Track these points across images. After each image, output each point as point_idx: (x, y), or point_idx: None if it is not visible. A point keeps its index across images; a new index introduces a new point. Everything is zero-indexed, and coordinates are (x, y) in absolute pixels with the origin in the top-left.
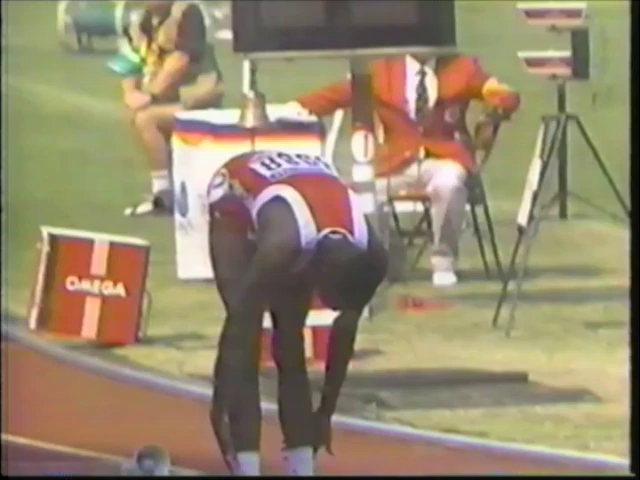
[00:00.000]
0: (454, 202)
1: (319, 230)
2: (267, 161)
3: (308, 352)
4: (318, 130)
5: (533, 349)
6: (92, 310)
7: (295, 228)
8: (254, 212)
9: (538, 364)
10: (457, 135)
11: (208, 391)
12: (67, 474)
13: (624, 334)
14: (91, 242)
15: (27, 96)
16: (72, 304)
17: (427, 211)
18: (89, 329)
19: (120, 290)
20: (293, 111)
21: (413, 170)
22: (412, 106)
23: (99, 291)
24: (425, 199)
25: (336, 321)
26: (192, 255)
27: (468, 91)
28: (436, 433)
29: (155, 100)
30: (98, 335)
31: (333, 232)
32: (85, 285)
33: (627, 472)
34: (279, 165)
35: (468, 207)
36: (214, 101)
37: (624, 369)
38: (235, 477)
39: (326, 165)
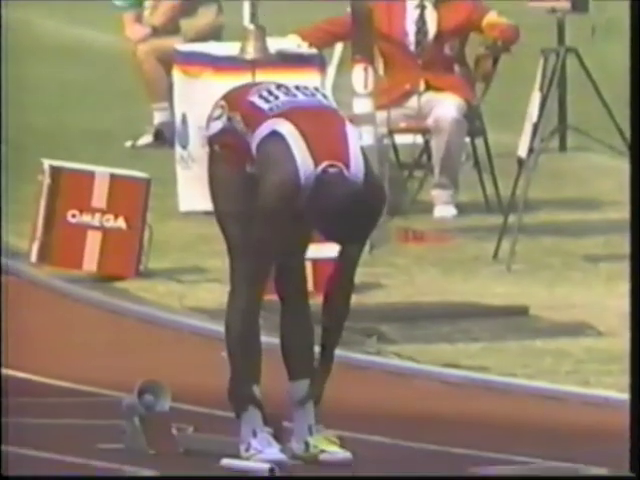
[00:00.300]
0: (454, 134)
1: (316, 164)
2: (265, 93)
3: (308, 285)
4: (318, 62)
5: (534, 283)
6: (93, 243)
7: (294, 165)
8: (253, 146)
9: (539, 298)
10: (457, 68)
11: (208, 325)
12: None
13: (625, 267)
14: (92, 174)
15: (28, 28)
16: (73, 237)
17: (427, 143)
18: (90, 262)
19: (121, 223)
20: (293, 44)
21: (413, 102)
22: (412, 39)
23: (100, 224)
24: (425, 131)
25: (338, 255)
26: (193, 188)
27: (468, 24)
28: (436, 367)
29: (156, 32)
30: (99, 268)
31: (330, 166)
32: (86, 218)
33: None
34: (277, 97)
35: (468, 139)
36: (214, 33)
37: (625, 303)
38: (235, 477)
39: (324, 96)
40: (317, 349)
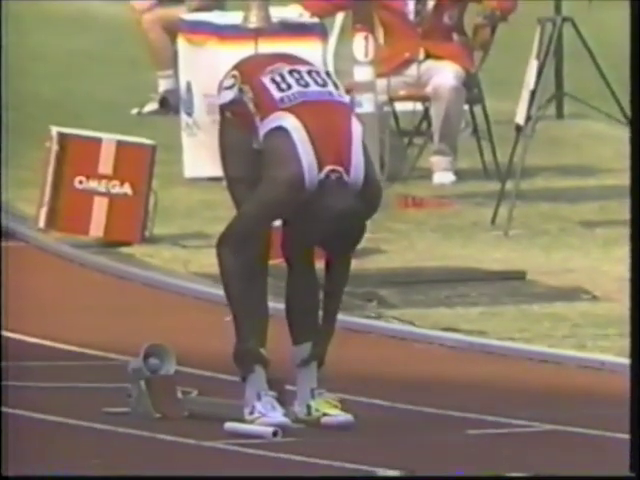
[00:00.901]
0: (453, 102)
1: (320, 169)
2: (278, 78)
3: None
4: (319, 31)
5: (531, 248)
6: (100, 209)
7: (300, 166)
8: (261, 134)
9: (536, 263)
10: (455, 37)
11: (212, 289)
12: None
13: (620, 233)
14: (99, 141)
15: None
16: (80, 203)
17: (427, 111)
18: (97, 228)
19: (127, 189)
20: (295, 13)
21: (413, 70)
22: (411, 8)
23: (107, 190)
24: (425, 99)
25: (330, 259)
26: (198, 154)
27: None
28: (436, 331)
29: (160, 2)
30: (105, 234)
31: (332, 171)
32: (93, 184)
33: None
34: (289, 86)
35: (467, 107)
36: (218, 3)
37: (620, 267)
38: (235, 477)
39: (335, 85)
40: (320, 313)
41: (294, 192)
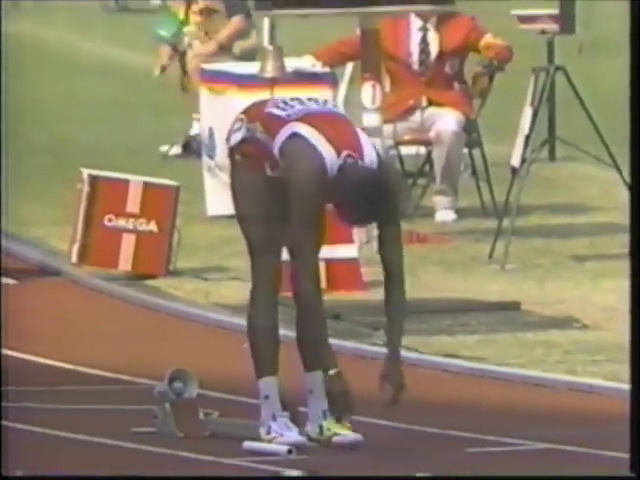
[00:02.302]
0: (454, 146)
1: (338, 154)
2: (281, 104)
3: (322, 283)
4: (330, 80)
5: (525, 280)
6: (128, 245)
7: (319, 155)
8: (276, 149)
9: (530, 294)
10: (456, 85)
11: (232, 319)
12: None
13: (608, 266)
14: (127, 182)
15: (69, 49)
16: (110, 240)
17: (429, 154)
18: (125, 262)
19: (153, 227)
20: (308, 63)
21: (416, 117)
22: (415, 59)
23: (134, 227)
24: (428, 143)
25: (379, 244)
26: (220, 194)
27: (466, 45)
28: (438, 358)
29: (222, 48)
30: (133, 268)
31: (348, 156)
32: (121, 222)
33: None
34: (293, 107)
35: (466, 150)
36: (254, 53)
37: (608, 298)
38: (237, 477)
39: (334, 106)
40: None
41: (320, 180)
